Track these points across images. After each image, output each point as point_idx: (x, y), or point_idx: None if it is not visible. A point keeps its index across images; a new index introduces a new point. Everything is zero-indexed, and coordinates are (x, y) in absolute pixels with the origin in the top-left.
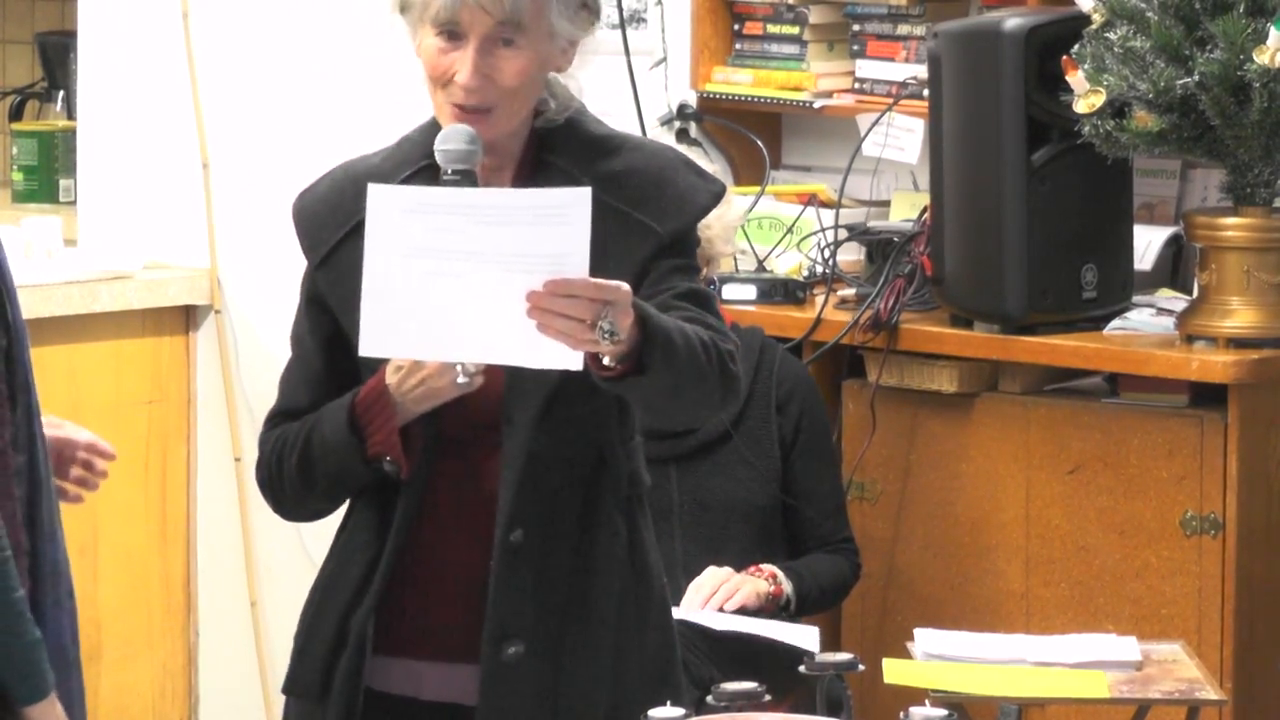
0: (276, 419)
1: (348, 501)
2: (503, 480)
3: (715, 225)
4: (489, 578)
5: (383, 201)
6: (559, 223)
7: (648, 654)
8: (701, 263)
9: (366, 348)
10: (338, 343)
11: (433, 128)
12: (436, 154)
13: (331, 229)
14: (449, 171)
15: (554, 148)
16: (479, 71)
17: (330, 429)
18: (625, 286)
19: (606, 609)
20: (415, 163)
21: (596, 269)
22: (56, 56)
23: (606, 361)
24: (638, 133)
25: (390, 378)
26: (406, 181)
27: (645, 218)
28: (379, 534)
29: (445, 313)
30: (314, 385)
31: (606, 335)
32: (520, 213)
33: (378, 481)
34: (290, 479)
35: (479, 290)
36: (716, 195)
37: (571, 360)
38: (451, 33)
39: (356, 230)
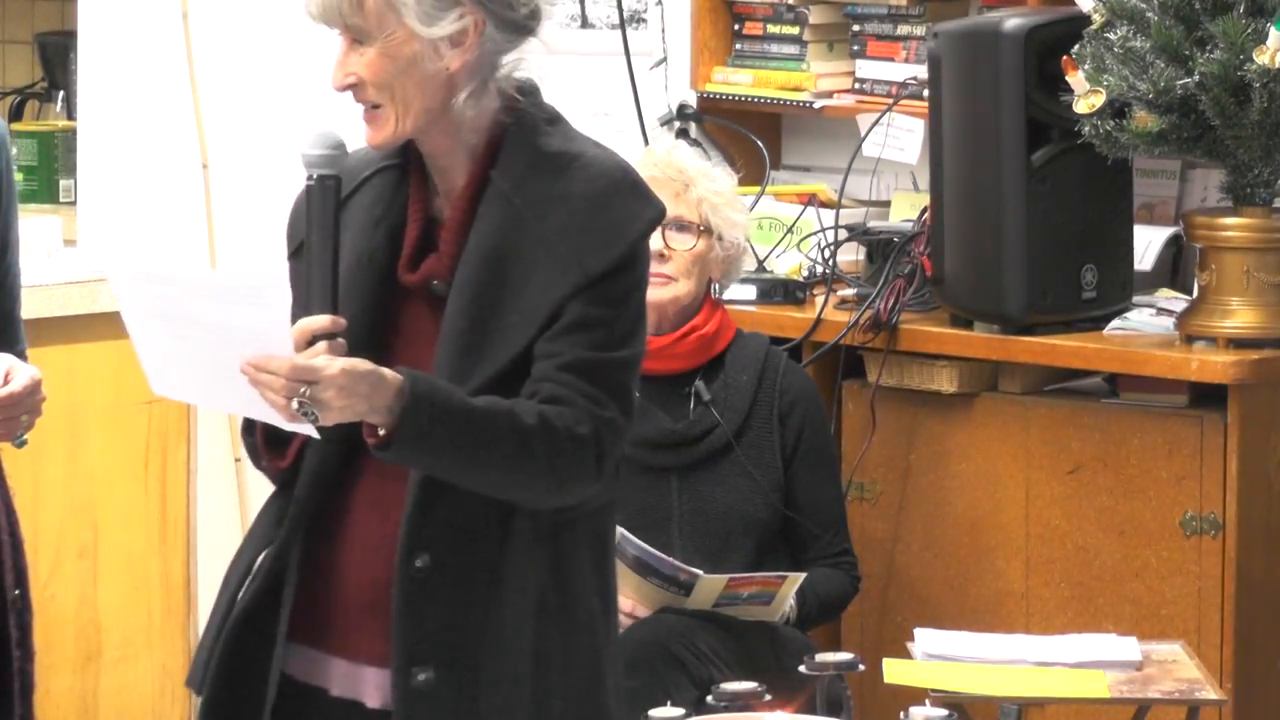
0: None
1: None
2: (408, 504)
3: (741, 233)
4: (392, 597)
5: (121, 270)
6: (257, 305)
7: (570, 681)
8: (726, 266)
9: (156, 388)
10: None
11: None
12: (301, 158)
13: (304, 224)
14: (312, 176)
15: (500, 162)
16: (341, 67)
17: None
18: (333, 369)
19: (524, 637)
20: (379, 163)
21: (517, 302)
22: (56, 56)
23: (380, 430)
24: (636, 134)
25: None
26: (367, 180)
27: (570, 250)
28: (278, 525)
29: (196, 370)
30: None
31: (305, 413)
32: (224, 292)
33: (287, 477)
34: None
35: (209, 355)
36: (652, 221)
37: (283, 422)
38: (339, 35)
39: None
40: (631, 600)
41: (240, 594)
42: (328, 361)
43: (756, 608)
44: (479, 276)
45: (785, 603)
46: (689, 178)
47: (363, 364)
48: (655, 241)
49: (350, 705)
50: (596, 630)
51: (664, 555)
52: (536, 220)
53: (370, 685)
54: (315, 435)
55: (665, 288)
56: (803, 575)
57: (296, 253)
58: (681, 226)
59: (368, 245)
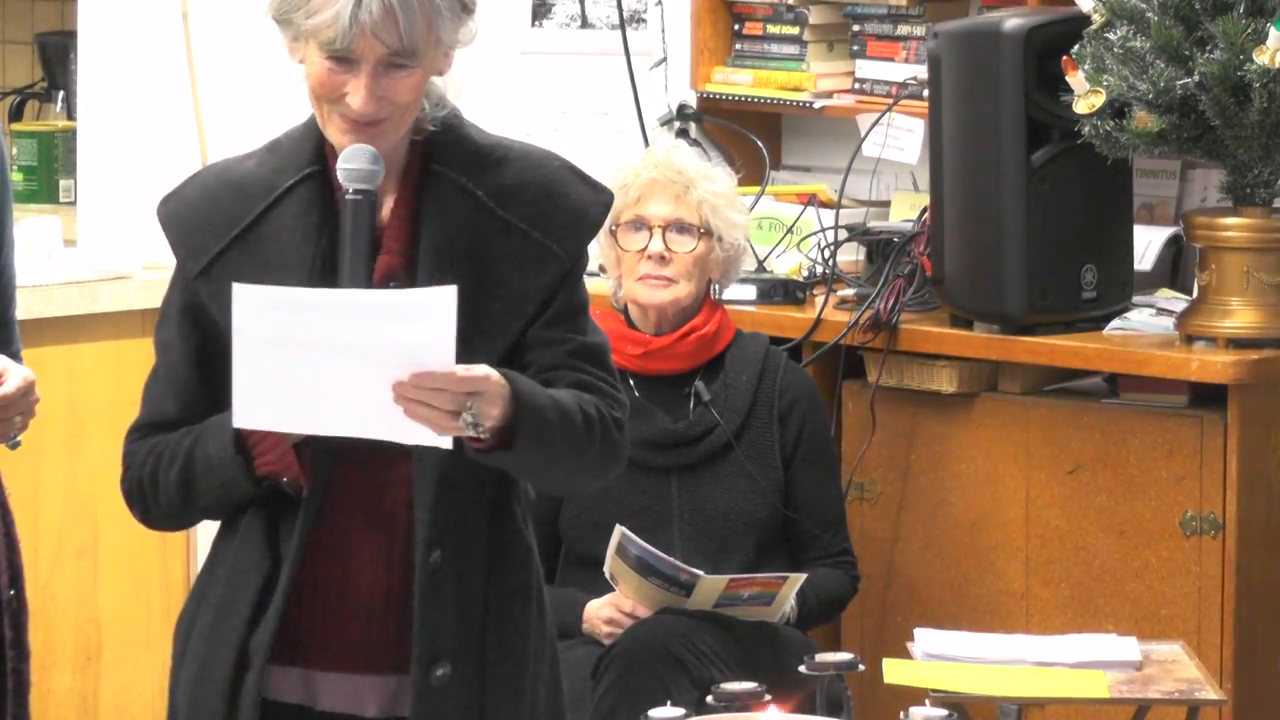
0: (143, 430)
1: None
2: (418, 502)
3: (740, 233)
4: (405, 596)
5: (247, 300)
6: (422, 320)
7: (546, 670)
8: (726, 267)
9: (240, 420)
10: (211, 353)
11: (310, 132)
12: (339, 172)
13: (210, 237)
14: (350, 190)
15: (441, 157)
16: (373, 95)
17: (215, 446)
18: (494, 376)
19: (525, 626)
20: (297, 170)
21: (497, 289)
22: (56, 56)
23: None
24: (636, 133)
25: None
26: (291, 189)
27: (543, 237)
28: (270, 549)
29: (315, 394)
30: (182, 395)
31: (470, 425)
32: (383, 311)
33: (263, 494)
34: (168, 494)
35: (346, 377)
36: (606, 206)
37: (438, 439)
38: (340, 57)
39: (240, 240)
40: (632, 600)
41: (255, 628)
42: (486, 371)
43: (757, 608)
44: (449, 268)
45: (786, 603)
46: (689, 179)
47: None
48: (656, 244)
49: (340, 718)
50: (548, 618)
51: (665, 555)
52: (499, 209)
53: (371, 695)
54: (460, 439)
55: (666, 289)
56: (803, 576)
57: (205, 270)
58: (682, 229)
59: (310, 253)
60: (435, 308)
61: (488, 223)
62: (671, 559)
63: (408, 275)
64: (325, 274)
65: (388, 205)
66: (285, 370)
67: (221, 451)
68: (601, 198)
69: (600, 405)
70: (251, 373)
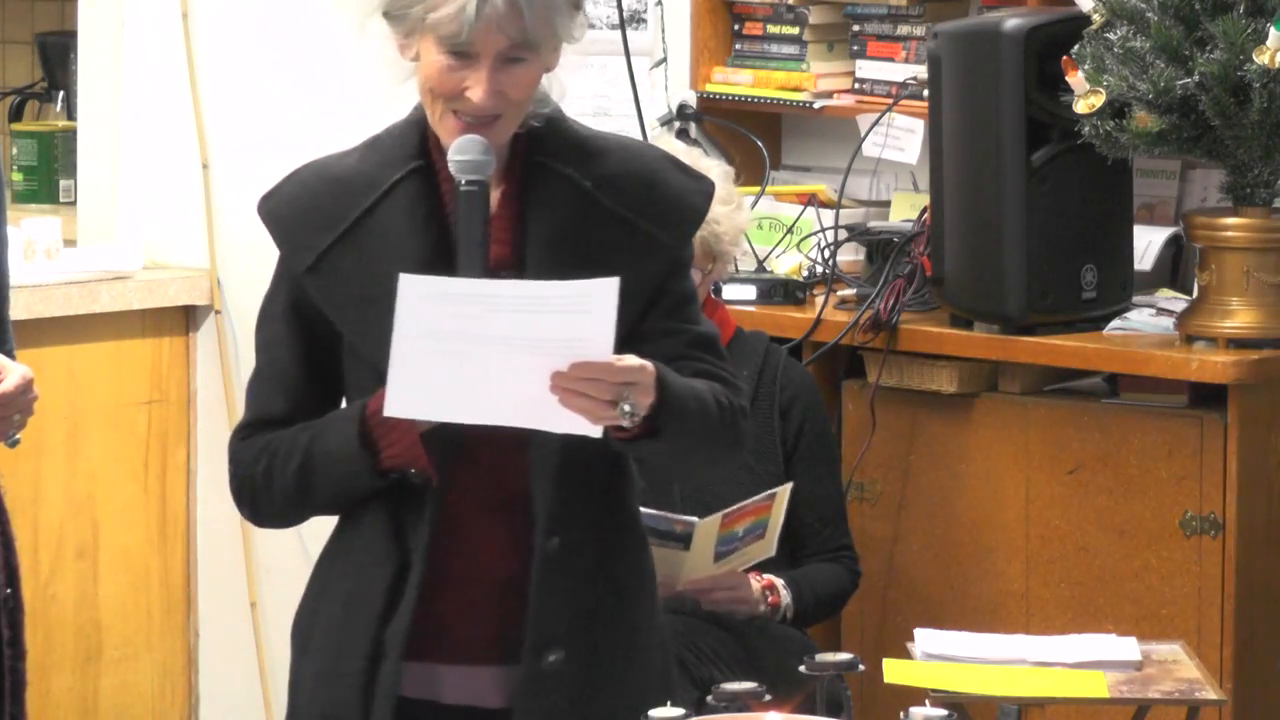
0: (250, 428)
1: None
2: (537, 488)
3: (725, 223)
4: (523, 584)
5: (411, 290)
6: (583, 312)
7: (652, 657)
8: (707, 262)
9: (393, 409)
10: (320, 349)
11: (413, 127)
12: (450, 164)
13: (315, 233)
14: (463, 182)
15: (546, 150)
16: (493, 89)
17: (337, 441)
18: (649, 367)
19: (636, 614)
20: (401, 165)
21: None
22: (56, 56)
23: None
24: (635, 133)
25: None
26: (397, 184)
27: (649, 226)
28: (398, 540)
29: (470, 383)
30: (292, 393)
31: (627, 415)
32: (545, 302)
33: (385, 488)
34: (284, 490)
35: (503, 367)
36: (708, 195)
37: (591, 429)
38: (459, 52)
39: (347, 235)
40: None
41: (389, 620)
42: (641, 362)
43: (754, 545)
44: (558, 258)
45: (778, 529)
46: None
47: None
48: None
49: (465, 711)
50: (659, 607)
51: (657, 511)
52: (605, 199)
53: (491, 686)
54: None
55: None
56: (789, 486)
57: (313, 267)
58: None
59: (422, 246)
60: (597, 299)
61: (594, 213)
62: (664, 513)
63: (516, 266)
64: (437, 267)
65: (494, 198)
66: (442, 359)
67: (346, 446)
68: (702, 186)
69: (727, 394)
70: (409, 361)
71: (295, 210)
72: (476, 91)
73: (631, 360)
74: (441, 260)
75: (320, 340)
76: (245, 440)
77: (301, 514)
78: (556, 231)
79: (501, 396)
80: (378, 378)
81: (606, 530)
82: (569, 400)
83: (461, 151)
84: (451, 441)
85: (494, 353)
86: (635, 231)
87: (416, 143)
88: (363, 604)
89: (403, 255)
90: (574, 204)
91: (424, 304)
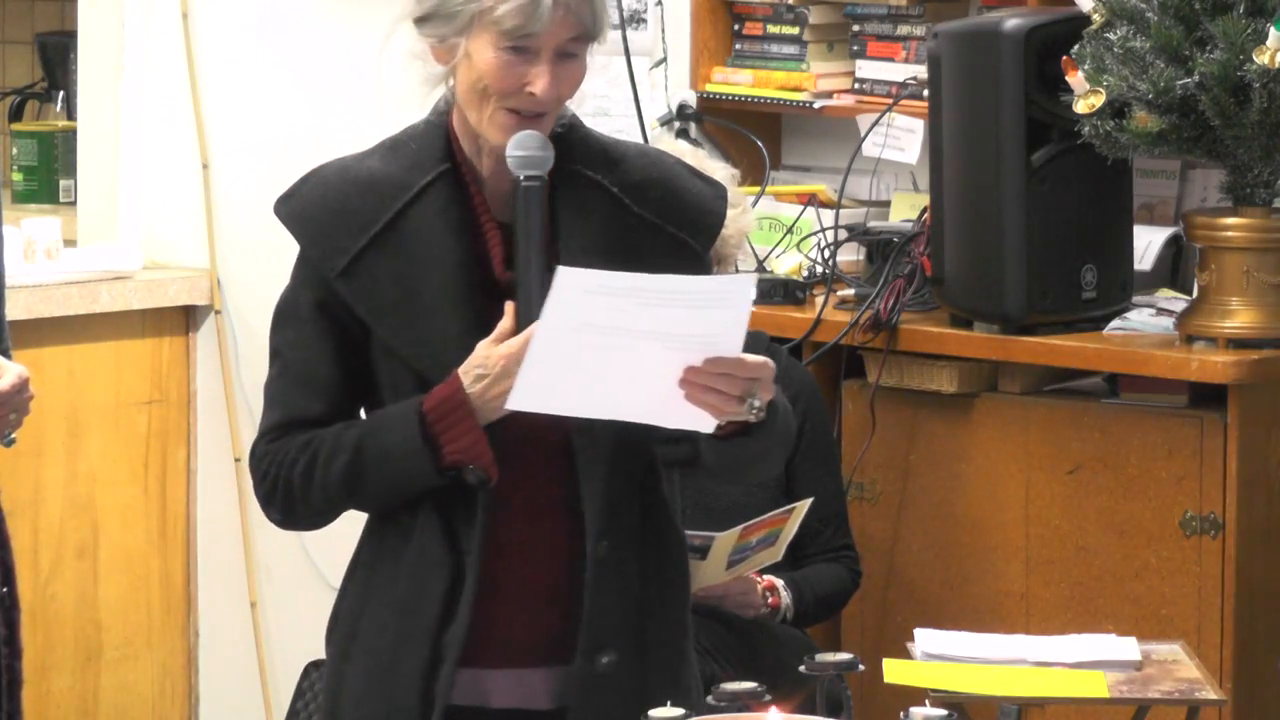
0: (278, 430)
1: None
2: (586, 492)
3: (731, 226)
4: (571, 587)
5: (569, 282)
6: (721, 308)
7: (688, 658)
8: (712, 264)
9: (516, 403)
10: (351, 350)
11: (436, 130)
12: (510, 159)
13: (346, 235)
14: (523, 178)
15: (573, 155)
16: (555, 82)
17: (395, 438)
18: (770, 364)
19: (681, 614)
20: (429, 168)
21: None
22: (56, 56)
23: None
24: (636, 134)
25: (472, 385)
26: (428, 187)
27: (677, 231)
28: (451, 545)
29: (597, 378)
30: (327, 393)
31: (754, 410)
32: (688, 297)
33: (434, 490)
34: (326, 488)
35: (635, 361)
36: (725, 200)
37: (705, 424)
38: (520, 46)
39: (379, 238)
40: None
41: (449, 624)
42: (765, 359)
43: (764, 553)
44: (590, 263)
45: (789, 539)
46: None
47: None
48: None
49: (513, 714)
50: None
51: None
52: (634, 204)
53: (541, 688)
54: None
55: None
56: (809, 500)
57: (346, 270)
58: None
59: (457, 248)
60: (735, 296)
61: (624, 217)
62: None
63: (549, 270)
64: (473, 269)
65: None
66: (579, 352)
67: (405, 443)
68: (718, 192)
69: (783, 397)
70: (548, 353)
71: (323, 211)
72: (540, 84)
73: (758, 357)
74: (477, 262)
75: (352, 341)
76: (275, 442)
77: (338, 512)
78: (590, 236)
79: (624, 390)
80: (416, 378)
81: (650, 532)
82: (697, 395)
83: (522, 147)
84: (508, 443)
85: (632, 346)
86: (662, 235)
87: (442, 145)
88: (419, 609)
89: (439, 258)
90: (604, 209)
91: (580, 296)
